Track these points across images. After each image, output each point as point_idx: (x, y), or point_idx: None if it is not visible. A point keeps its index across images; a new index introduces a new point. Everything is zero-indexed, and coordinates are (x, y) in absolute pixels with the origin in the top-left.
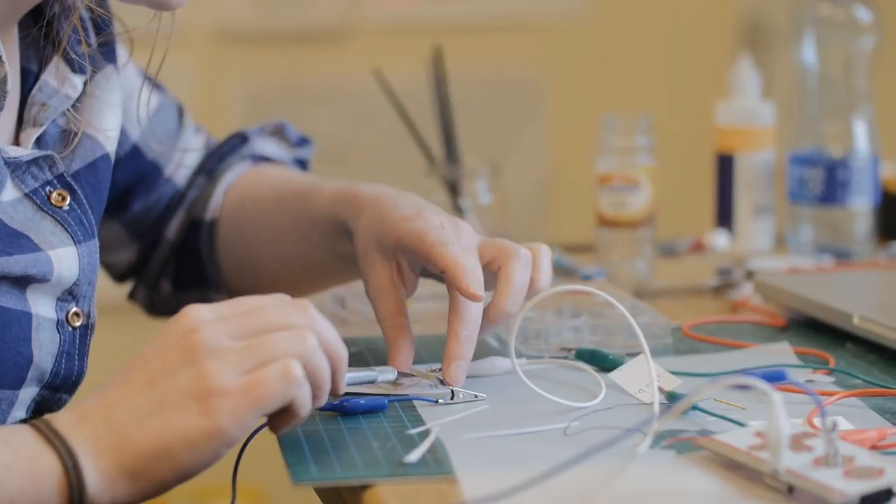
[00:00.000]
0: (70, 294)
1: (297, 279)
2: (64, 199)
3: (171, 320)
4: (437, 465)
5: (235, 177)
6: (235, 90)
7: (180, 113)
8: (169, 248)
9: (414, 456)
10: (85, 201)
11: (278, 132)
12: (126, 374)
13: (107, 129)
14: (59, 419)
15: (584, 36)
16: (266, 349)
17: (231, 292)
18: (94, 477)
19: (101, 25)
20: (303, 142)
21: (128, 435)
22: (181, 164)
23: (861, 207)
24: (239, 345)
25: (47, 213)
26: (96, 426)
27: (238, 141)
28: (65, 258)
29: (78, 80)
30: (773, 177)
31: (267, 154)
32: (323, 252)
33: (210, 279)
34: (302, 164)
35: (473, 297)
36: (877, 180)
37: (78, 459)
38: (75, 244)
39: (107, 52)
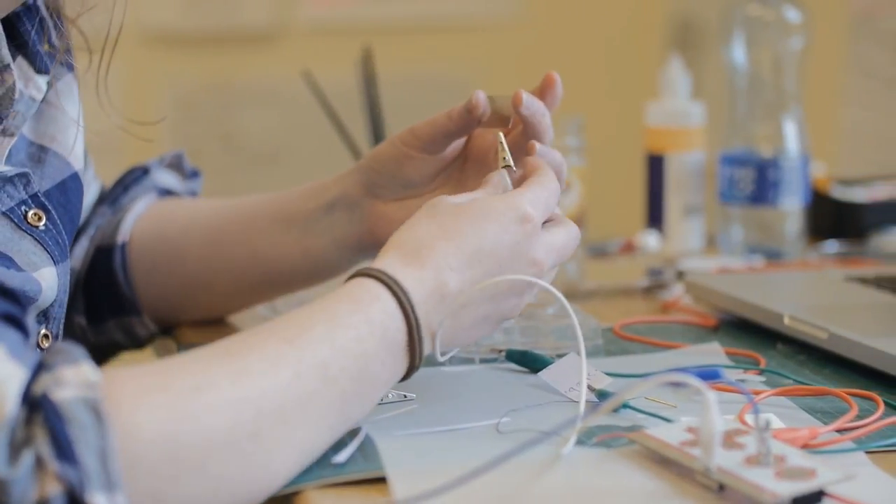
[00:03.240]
0: (44, 315)
1: (240, 287)
2: (40, 218)
3: (503, 199)
4: (366, 461)
5: (144, 207)
6: (165, 92)
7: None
8: (74, 278)
9: (342, 456)
10: (59, 221)
11: (175, 164)
12: (458, 241)
13: (74, 145)
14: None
15: (515, 36)
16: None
17: (156, 318)
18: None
19: (58, 30)
20: (194, 174)
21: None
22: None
23: (791, 207)
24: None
25: (26, 232)
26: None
27: (140, 172)
28: (48, 278)
29: (41, 81)
30: (704, 177)
31: (168, 186)
32: (281, 230)
33: (128, 305)
34: (193, 195)
35: (554, 78)
36: (807, 180)
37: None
38: (54, 264)
39: (66, 58)
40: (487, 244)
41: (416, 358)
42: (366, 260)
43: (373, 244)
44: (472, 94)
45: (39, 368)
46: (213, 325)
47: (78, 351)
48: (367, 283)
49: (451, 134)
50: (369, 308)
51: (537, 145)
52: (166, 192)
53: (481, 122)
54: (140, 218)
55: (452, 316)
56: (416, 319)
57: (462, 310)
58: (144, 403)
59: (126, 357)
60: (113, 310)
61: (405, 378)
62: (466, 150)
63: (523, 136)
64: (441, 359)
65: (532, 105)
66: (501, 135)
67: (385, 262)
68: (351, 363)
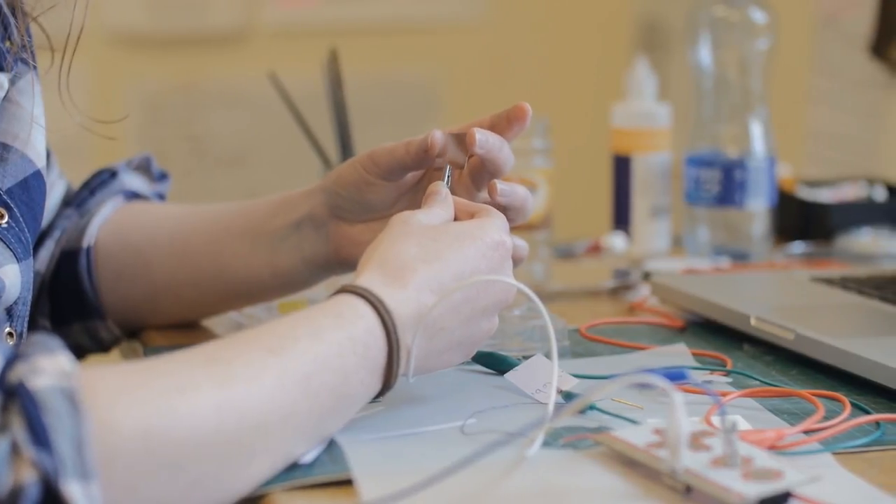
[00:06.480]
0: (8, 313)
1: (206, 298)
2: (2, 216)
3: (476, 225)
4: (333, 464)
5: (111, 210)
6: (132, 94)
7: (48, 152)
8: (39, 281)
9: (309, 457)
10: (21, 219)
11: (143, 167)
12: (440, 266)
13: (35, 143)
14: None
15: (481, 37)
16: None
17: (121, 323)
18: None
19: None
20: (162, 177)
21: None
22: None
23: (757, 208)
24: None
25: None
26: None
27: (107, 175)
28: (11, 276)
29: (3, 78)
30: (670, 178)
31: (135, 189)
32: (249, 242)
33: (93, 309)
34: (161, 198)
35: (525, 110)
36: (773, 181)
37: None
38: (17, 262)
39: (23, 55)
40: (468, 269)
41: (391, 378)
42: (333, 276)
43: (339, 263)
44: (430, 133)
45: (15, 358)
46: (181, 329)
47: (54, 342)
48: (351, 301)
49: (407, 167)
50: (353, 326)
51: (499, 186)
52: (134, 196)
53: (438, 159)
54: (106, 222)
55: (429, 339)
56: (398, 340)
57: (439, 332)
58: (124, 398)
59: (92, 360)
60: (77, 313)
61: (378, 397)
62: (428, 174)
63: (482, 164)
64: (412, 380)
65: (486, 143)
66: (448, 167)
67: (368, 280)
68: (331, 378)
